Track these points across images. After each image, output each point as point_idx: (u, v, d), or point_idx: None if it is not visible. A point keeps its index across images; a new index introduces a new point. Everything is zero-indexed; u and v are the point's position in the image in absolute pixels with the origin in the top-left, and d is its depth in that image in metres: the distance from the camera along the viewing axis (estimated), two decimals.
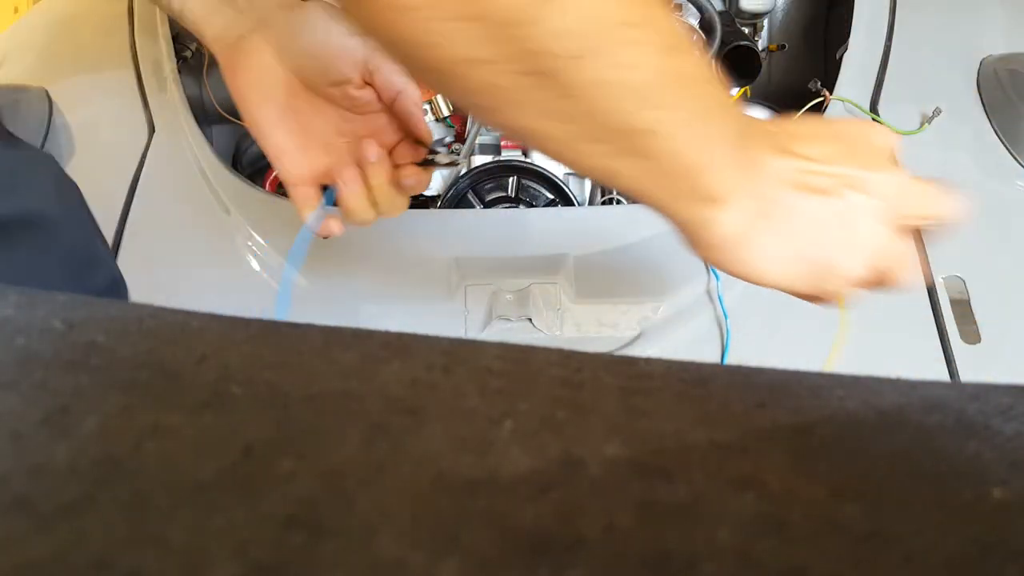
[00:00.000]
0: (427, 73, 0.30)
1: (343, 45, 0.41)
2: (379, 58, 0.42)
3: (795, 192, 0.36)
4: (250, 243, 0.65)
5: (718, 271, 0.59)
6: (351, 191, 0.44)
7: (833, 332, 0.58)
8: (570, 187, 0.70)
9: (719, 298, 0.58)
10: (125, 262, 0.66)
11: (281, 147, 0.43)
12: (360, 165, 0.44)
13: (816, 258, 0.36)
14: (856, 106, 0.70)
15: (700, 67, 0.32)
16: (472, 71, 0.28)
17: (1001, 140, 0.69)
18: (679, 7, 0.76)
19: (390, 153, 0.45)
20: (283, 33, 0.41)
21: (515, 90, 0.29)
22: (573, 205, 0.70)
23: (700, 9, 0.75)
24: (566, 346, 0.18)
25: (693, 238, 0.36)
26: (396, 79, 0.42)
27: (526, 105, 0.30)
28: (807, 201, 0.36)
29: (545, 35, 0.27)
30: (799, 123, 0.38)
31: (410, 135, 0.46)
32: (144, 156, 0.72)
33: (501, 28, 0.27)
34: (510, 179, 0.70)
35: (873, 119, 0.70)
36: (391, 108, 0.44)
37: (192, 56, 0.80)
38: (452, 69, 0.28)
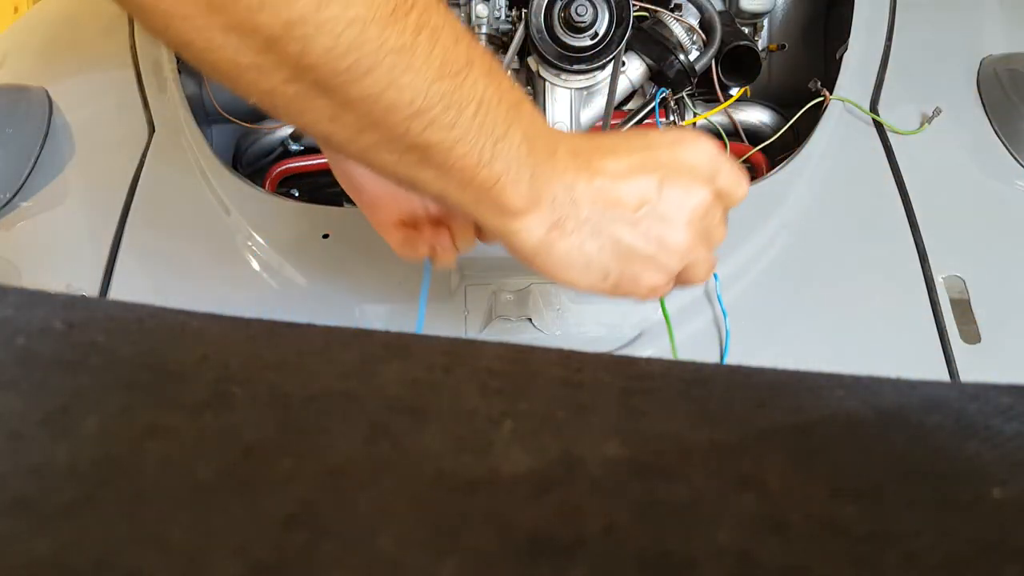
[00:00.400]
0: (216, 75, 0.31)
1: None
2: None
3: (594, 206, 0.38)
4: (250, 243, 0.65)
5: (717, 272, 0.59)
6: (446, 254, 0.47)
7: (830, 334, 0.58)
8: None
9: (718, 298, 0.58)
10: (125, 262, 0.66)
11: (375, 197, 0.47)
12: (447, 221, 0.47)
13: (615, 269, 0.39)
14: (856, 106, 0.70)
15: (490, 89, 0.34)
16: (254, 76, 0.30)
17: (1001, 140, 0.69)
18: (679, 7, 0.76)
19: None
20: None
21: (298, 97, 0.31)
22: None
23: (700, 9, 0.75)
24: (566, 346, 0.18)
25: (503, 243, 0.39)
26: None
27: (313, 111, 0.32)
28: (605, 214, 0.38)
29: (316, 53, 0.29)
30: (607, 136, 0.41)
31: None
32: (144, 156, 0.72)
33: (273, 42, 0.29)
34: None
35: (873, 119, 0.70)
36: None
37: None
38: (235, 73, 0.30)
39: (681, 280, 0.43)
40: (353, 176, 0.46)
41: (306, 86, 0.31)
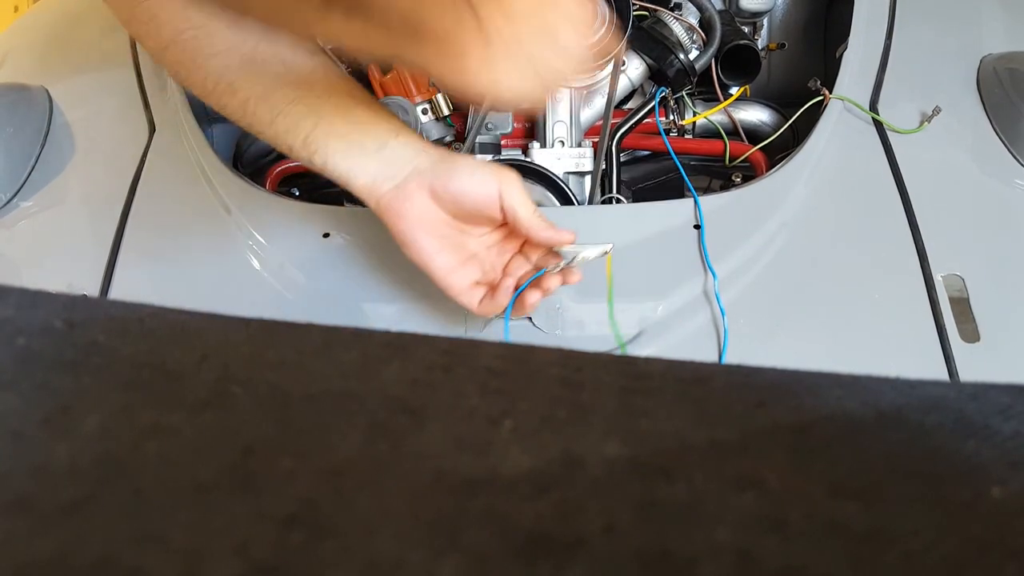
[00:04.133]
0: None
1: (485, 191, 0.50)
2: (504, 189, 0.50)
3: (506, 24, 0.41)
4: (250, 242, 0.65)
5: (716, 271, 0.59)
6: (525, 298, 0.53)
7: (829, 333, 0.59)
8: (570, 187, 0.70)
9: (717, 297, 0.58)
10: (126, 261, 0.66)
11: (447, 267, 0.52)
12: (511, 274, 0.53)
13: (532, 64, 0.42)
14: (856, 105, 0.70)
15: None
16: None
17: (1001, 139, 0.69)
18: (679, 6, 0.76)
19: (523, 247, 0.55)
20: (437, 182, 0.50)
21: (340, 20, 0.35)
22: (572, 205, 0.70)
23: (700, 8, 0.75)
24: (566, 346, 0.18)
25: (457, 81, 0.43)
26: (512, 203, 0.51)
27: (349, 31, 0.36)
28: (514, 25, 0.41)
29: None
30: None
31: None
32: (144, 156, 0.72)
33: None
34: None
35: (873, 118, 0.70)
36: (514, 223, 0.52)
37: None
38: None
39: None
40: (428, 252, 0.51)
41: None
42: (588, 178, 0.73)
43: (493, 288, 0.53)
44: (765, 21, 0.86)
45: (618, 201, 0.72)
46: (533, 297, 0.52)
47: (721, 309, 0.58)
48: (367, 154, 0.51)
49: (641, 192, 0.79)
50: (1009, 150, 0.68)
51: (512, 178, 0.51)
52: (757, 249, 0.61)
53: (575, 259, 0.53)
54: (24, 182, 0.72)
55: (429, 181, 0.50)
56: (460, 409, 0.15)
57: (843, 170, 0.66)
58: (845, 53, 0.73)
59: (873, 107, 0.71)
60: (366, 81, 0.77)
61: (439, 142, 0.76)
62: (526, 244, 0.55)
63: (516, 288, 0.52)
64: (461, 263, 0.53)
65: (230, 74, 0.50)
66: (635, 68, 0.75)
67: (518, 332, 0.59)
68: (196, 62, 0.49)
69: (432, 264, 0.52)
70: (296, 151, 0.52)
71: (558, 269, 0.53)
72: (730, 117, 0.79)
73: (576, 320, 0.59)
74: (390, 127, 0.52)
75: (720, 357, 0.57)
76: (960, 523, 0.12)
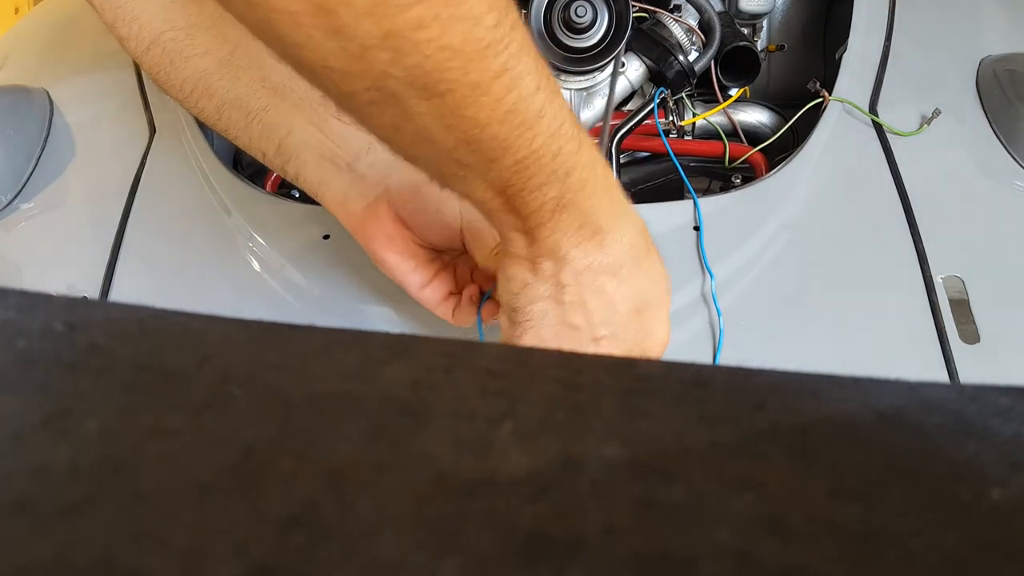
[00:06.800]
0: (300, 70, 0.32)
1: (448, 231, 0.51)
2: (466, 228, 0.52)
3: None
4: (251, 244, 0.65)
5: (715, 273, 0.59)
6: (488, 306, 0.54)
7: (829, 335, 0.59)
8: None
9: (713, 298, 0.58)
10: (126, 263, 0.66)
11: (420, 283, 0.53)
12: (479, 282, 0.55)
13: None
14: (855, 106, 0.70)
15: (544, 145, 0.36)
16: (339, 79, 0.31)
17: (1000, 140, 0.69)
18: (678, 8, 0.76)
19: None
20: (403, 211, 0.51)
21: (371, 104, 0.32)
22: None
23: (699, 10, 0.75)
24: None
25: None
26: (471, 247, 0.52)
27: (381, 118, 0.33)
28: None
29: (403, 67, 0.30)
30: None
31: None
32: (145, 157, 0.73)
33: (367, 50, 0.29)
34: None
35: (872, 120, 0.70)
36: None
37: None
38: (323, 73, 0.31)
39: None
40: (402, 271, 0.52)
41: (382, 95, 0.32)
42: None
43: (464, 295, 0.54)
44: (764, 23, 0.86)
45: None
46: None
47: (717, 310, 0.58)
48: (339, 169, 0.51)
49: (641, 193, 0.79)
50: (1009, 152, 0.68)
51: (474, 217, 0.51)
52: (757, 250, 0.61)
53: None
54: (24, 184, 0.73)
55: (400, 207, 0.51)
56: (460, 411, 0.15)
57: (843, 172, 0.66)
58: (844, 55, 0.73)
59: (873, 109, 0.71)
60: None
61: None
62: None
63: (482, 294, 0.52)
64: (434, 275, 0.54)
65: (207, 77, 0.50)
66: (634, 70, 0.75)
67: None
68: (175, 64, 0.50)
69: (406, 281, 0.53)
70: (270, 158, 0.52)
71: None
72: (729, 118, 0.80)
73: None
74: (363, 139, 0.52)
75: (714, 358, 0.57)
76: (960, 524, 0.12)
